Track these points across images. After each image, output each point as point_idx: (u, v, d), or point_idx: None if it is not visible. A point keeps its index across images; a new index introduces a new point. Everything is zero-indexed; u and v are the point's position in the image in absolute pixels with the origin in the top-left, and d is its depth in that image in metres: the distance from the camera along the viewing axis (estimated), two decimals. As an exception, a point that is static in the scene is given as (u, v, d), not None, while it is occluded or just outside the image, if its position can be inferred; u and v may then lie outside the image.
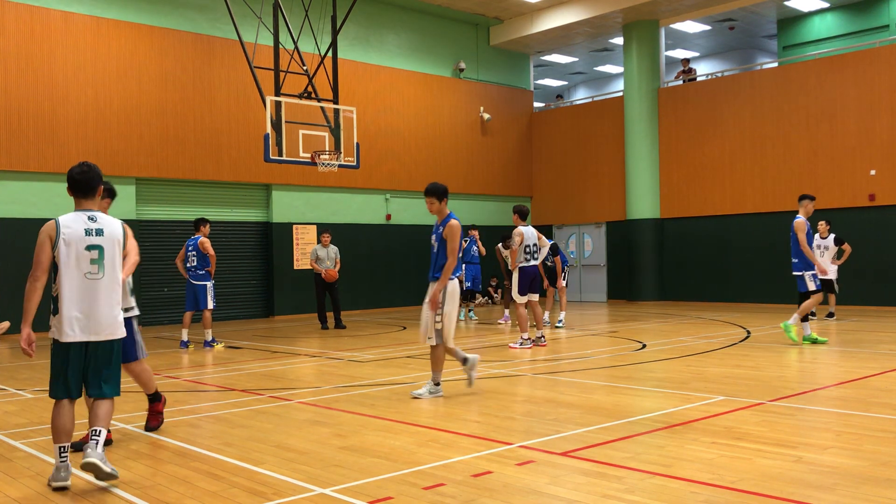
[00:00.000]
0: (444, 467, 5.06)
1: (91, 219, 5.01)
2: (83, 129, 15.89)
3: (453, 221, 7.80)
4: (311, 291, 16.76)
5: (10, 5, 15.15)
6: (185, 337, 12.41)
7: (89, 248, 4.94)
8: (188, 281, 12.35)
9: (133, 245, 5.56)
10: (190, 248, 12.35)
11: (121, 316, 5.08)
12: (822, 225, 14.95)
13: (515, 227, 11.81)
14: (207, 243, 12.27)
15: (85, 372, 4.95)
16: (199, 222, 12.49)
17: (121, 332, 5.07)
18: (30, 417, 7.11)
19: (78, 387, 4.95)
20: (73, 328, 4.89)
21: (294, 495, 4.56)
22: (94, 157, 15.97)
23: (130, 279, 6.01)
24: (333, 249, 15.66)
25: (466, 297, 16.83)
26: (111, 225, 5.07)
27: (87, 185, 5.06)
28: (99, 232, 5.00)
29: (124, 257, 5.25)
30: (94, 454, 4.73)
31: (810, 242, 11.24)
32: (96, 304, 4.94)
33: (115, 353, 5.05)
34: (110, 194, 6.75)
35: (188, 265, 12.34)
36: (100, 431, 4.88)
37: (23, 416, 7.20)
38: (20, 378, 9.64)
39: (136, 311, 6.19)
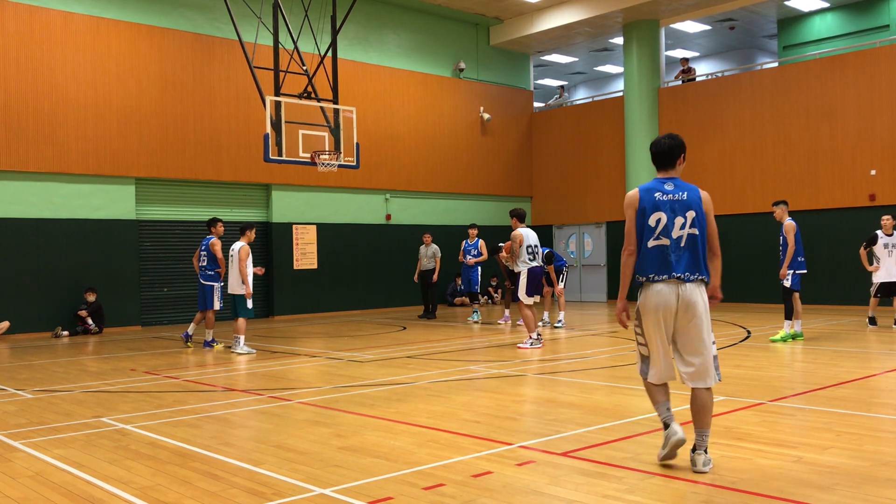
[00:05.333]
0: (444, 467, 5.06)
1: (231, 246, 12.00)
2: (83, 129, 15.88)
3: None
4: (310, 291, 19.26)
5: (10, 5, 15.14)
6: (208, 337, 12.47)
7: (229, 257, 11.93)
8: (199, 280, 12.38)
9: (236, 260, 11.76)
10: (203, 249, 12.36)
11: (237, 285, 11.72)
12: (887, 220, 12.98)
13: (513, 230, 11.86)
14: (218, 246, 12.25)
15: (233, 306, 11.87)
16: (211, 222, 12.44)
17: (239, 291, 11.69)
18: (30, 417, 7.11)
19: (233, 313, 11.88)
20: (224, 289, 12.10)
21: (294, 495, 4.56)
22: (94, 157, 15.98)
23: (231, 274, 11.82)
24: (433, 248, 17.45)
25: (469, 297, 16.78)
26: (235, 248, 11.81)
27: (241, 231, 12.08)
28: (233, 250, 11.87)
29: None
30: (234, 346, 11.67)
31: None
32: (231, 278, 11.80)
33: (237, 300, 11.75)
34: (244, 231, 12.06)
35: (200, 264, 12.37)
36: (240, 338, 11.61)
37: (23, 416, 7.20)
38: (20, 378, 9.64)
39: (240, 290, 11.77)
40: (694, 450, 4.88)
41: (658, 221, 4.87)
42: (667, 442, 4.95)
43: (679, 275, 4.83)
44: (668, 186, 4.96)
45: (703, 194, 4.99)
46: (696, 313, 4.83)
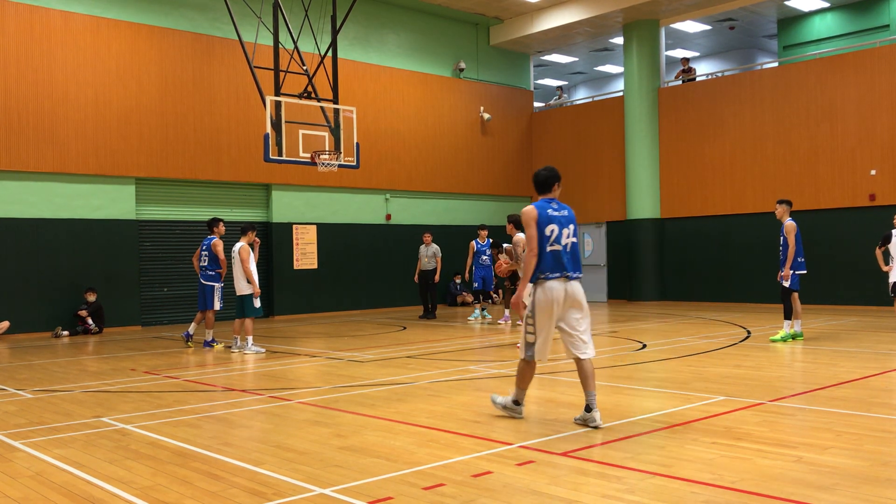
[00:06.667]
0: (444, 467, 5.06)
1: (232, 247, 12.08)
2: (83, 129, 15.89)
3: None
4: (310, 291, 19.28)
5: (10, 5, 15.14)
6: (208, 337, 12.49)
7: (230, 258, 12.11)
8: (199, 280, 12.38)
9: (237, 261, 11.69)
10: (203, 248, 12.35)
11: (242, 286, 11.64)
12: None
13: (511, 236, 11.89)
14: (220, 247, 12.24)
15: (240, 307, 11.78)
16: (213, 223, 12.42)
17: (245, 291, 11.62)
18: (30, 417, 7.11)
19: (240, 313, 11.78)
20: (224, 289, 12.37)
21: (294, 495, 4.56)
22: (94, 157, 15.99)
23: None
24: (433, 248, 17.48)
25: (478, 297, 16.76)
26: (236, 249, 11.75)
27: (242, 232, 11.94)
28: (234, 251, 11.83)
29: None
30: (243, 347, 11.72)
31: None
32: (235, 280, 11.78)
33: (244, 300, 11.67)
34: (245, 231, 12.00)
35: (201, 264, 12.36)
36: (238, 339, 11.83)
37: (23, 416, 7.20)
38: (20, 378, 9.64)
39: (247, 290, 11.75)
40: (589, 409, 6.13)
41: (552, 232, 6.19)
42: (512, 409, 6.50)
43: (568, 273, 6.18)
44: (553, 206, 6.33)
45: (573, 212, 6.45)
46: (581, 303, 6.26)
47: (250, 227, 12.05)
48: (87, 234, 15.97)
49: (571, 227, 6.30)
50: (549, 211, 6.24)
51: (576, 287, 6.23)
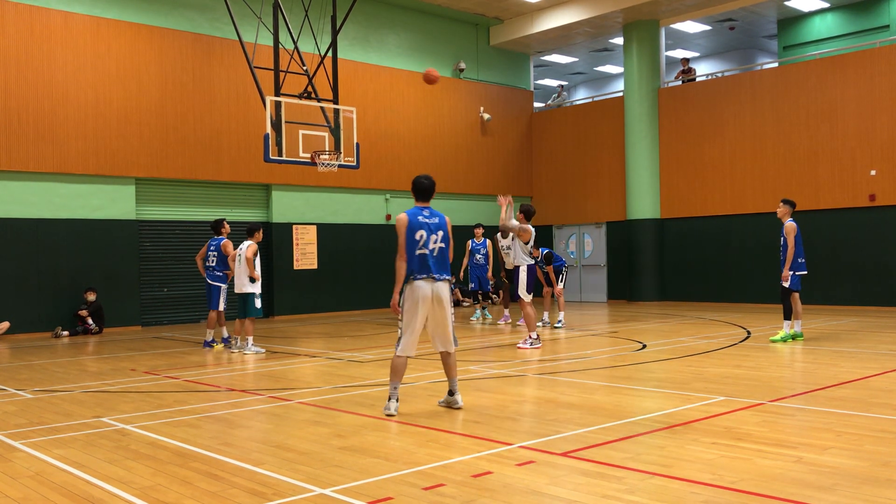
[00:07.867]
0: (444, 467, 5.06)
1: (240, 245, 11.83)
2: (83, 129, 15.88)
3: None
4: (310, 291, 19.21)
5: (10, 5, 15.14)
6: (208, 337, 12.44)
7: (237, 257, 11.78)
8: (206, 280, 12.37)
9: (243, 259, 11.56)
10: (212, 248, 12.30)
11: (245, 284, 11.55)
12: None
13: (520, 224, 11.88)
14: (230, 246, 12.20)
15: (241, 306, 11.72)
16: (218, 224, 12.39)
17: (247, 290, 11.52)
18: (30, 417, 7.11)
19: (241, 313, 11.81)
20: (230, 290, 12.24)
21: (294, 495, 4.56)
22: (94, 157, 15.98)
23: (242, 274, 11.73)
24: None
25: (478, 297, 16.69)
26: (242, 247, 11.60)
27: (248, 232, 11.75)
28: (240, 249, 11.67)
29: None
30: (243, 347, 11.66)
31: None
32: (238, 278, 11.64)
33: (246, 300, 11.63)
34: (252, 232, 11.84)
35: (207, 264, 12.32)
36: (238, 339, 11.89)
37: (23, 416, 7.20)
38: (20, 378, 9.64)
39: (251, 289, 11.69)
40: (452, 393, 7.00)
41: (421, 237, 6.76)
42: (386, 407, 6.85)
43: (434, 275, 6.77)
44: (426, 213, 6.91)
45: (447, 219, 7.04)
46: (443, 303, 6.82)
47: (257, 227, 11.93)
48: (87, 234, 15.96)
49: (440, 233, 6.87)
50: (420, 218, 6.83)
51: (441, 287, 6.81)
